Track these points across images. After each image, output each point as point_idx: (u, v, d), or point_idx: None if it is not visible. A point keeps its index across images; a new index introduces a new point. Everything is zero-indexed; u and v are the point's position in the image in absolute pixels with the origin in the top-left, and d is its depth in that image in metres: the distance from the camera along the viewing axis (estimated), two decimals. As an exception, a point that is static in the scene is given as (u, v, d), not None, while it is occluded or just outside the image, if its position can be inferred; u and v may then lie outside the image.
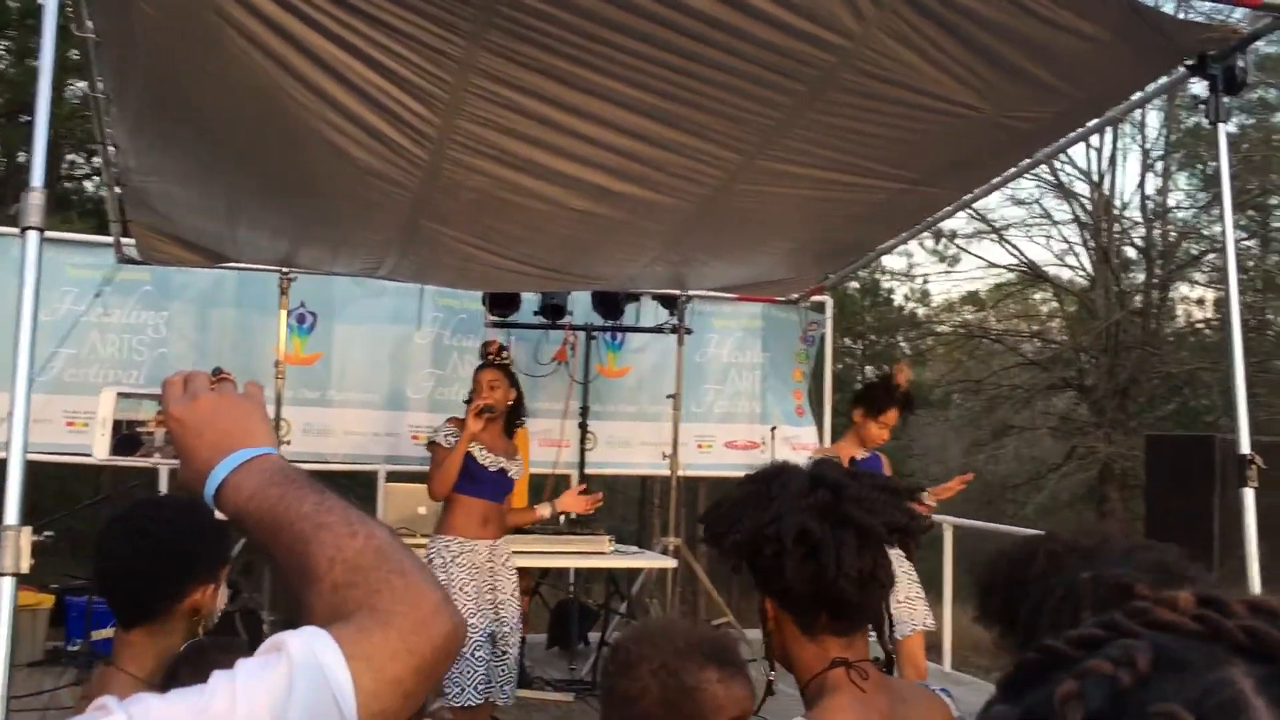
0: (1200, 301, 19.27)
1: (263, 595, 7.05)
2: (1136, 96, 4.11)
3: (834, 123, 3.91)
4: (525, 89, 3.67)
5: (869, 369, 20.81)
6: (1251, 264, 16.95)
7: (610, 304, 7.46)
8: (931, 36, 3.32)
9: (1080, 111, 3.99)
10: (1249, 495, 3.34)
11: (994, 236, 19.14)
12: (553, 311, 7.42)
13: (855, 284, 19.05)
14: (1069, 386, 18.93)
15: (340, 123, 3.84)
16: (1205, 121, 3.53)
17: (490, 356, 4.98)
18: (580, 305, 7.56)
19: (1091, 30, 3.24)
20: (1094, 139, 15.98)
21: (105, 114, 4.23)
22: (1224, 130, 3.54)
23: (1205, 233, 18.12)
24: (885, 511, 1.55)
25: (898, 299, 22.09)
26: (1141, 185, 18.73)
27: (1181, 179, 18.91)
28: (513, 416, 4.99)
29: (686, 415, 7.79)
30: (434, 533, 4.86)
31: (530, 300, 7.42)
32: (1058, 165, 17.04)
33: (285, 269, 6.61)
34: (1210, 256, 18.09)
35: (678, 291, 7.35)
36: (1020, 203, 18.93)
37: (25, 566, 2.19)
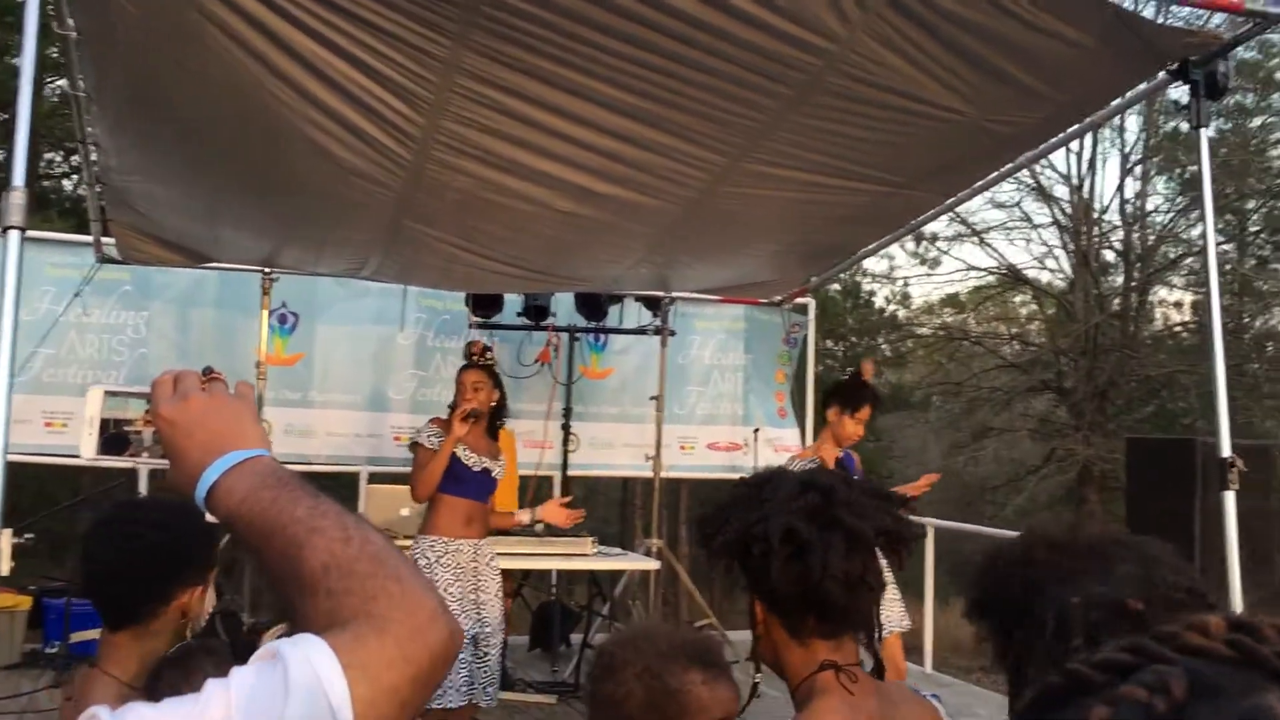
0: (1178, 305, 19.41)
1: (243, 597, 7.01)
2: (1119, 101, 4.13)
3: (819, 125, 3.92)
4: (510, 89, 3.67)
5: (849, 370, 20.82)
6: (1228, 268, 17.07)
7: (593, 305, 7.45)
8: (916, 40, 3.33)
9: (1063, 116, 4.01)
10: (1230, 498, 3.37)
11: (974, 239, 19.23)
12: (536, 313, 7.41)
13: (836, 286, 19.09)
14: (1048, 389, 19.03)
15: (323, 122, 3.82)
16: (1184, 126, 3.57)
17: (474, 357, 4.97)
18: (563, 307, 7.55)
19: (1075, 35, 3.26)
20: (1074, 143, 16.07)
21: (86, 112, 4.19)
22: (1205, 135, 3.57)
23: (1183, 236, 18.26)
24: (876, 517, 1.55)
25: (879, 301, 22.17)
26: (1120, 189, 18.86)
27: (1160, 183, 19.05)
28: (495, 417, 4.98)
29: (669, 417, 7.79)
30: (418, 533, 4.84)
31: (513, 301, 7.41)
32: (1038, 169, 17.14)
33: (267, 269, 6.58)
34: (1188, 260, 18.23)
35: (661, 293, 7.35)
36: (1000, 206, 19.03)
37: (5, 569, 2.17)
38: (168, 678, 1.82)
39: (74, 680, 1.92)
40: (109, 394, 1.26)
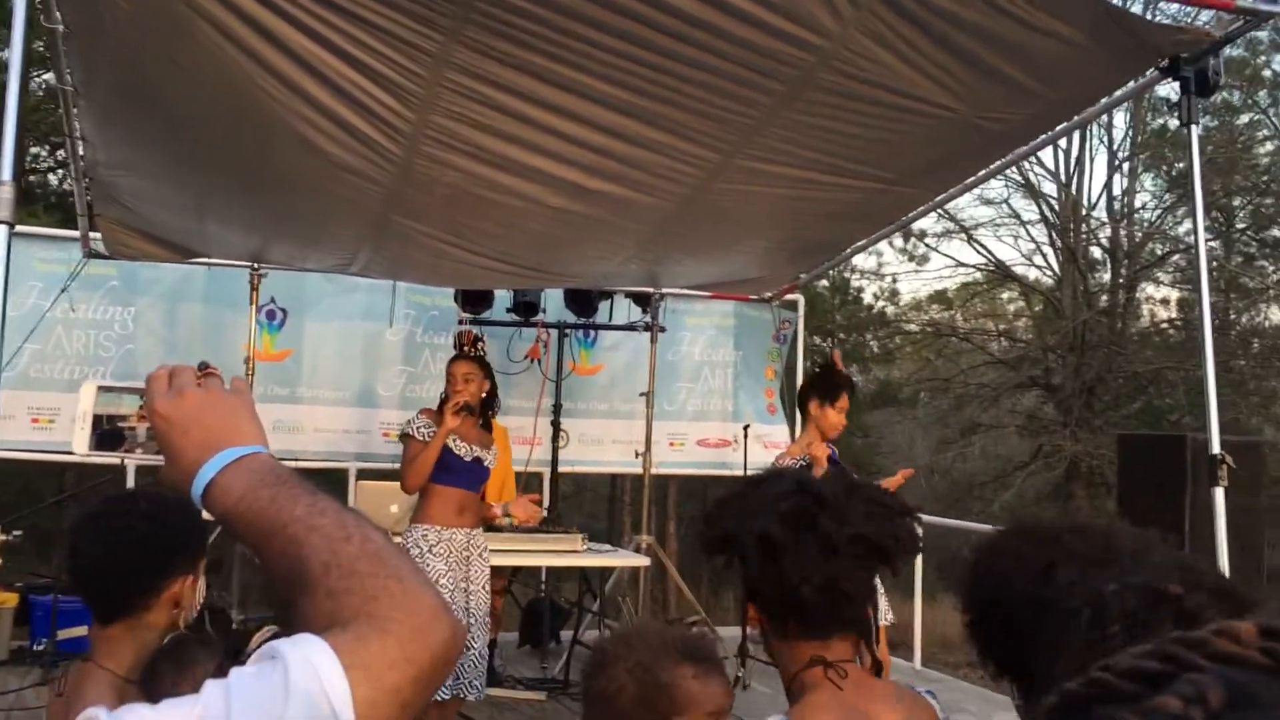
0: (1165, 301, 19.51)
1: (231, 594, 6.98)
2: (1107, 100, 4.14)
3: (811, 122, 3.92)
4: (501, 85, 3.65)
5: (848, 371, 20.85)
6: (1215, 265, 17.15)
7: (583, 301, 7.44)
8: (909, 37, 3.33)
9: (1054, 113, 4.02)
10: (1219, 494, 3.38)
11: (963, 236, 19.28)
12: (525, 309, 7.39)
13: (825, 282, 19.11)
14: (1036, 385, 19.09)
15: (313, 117, 3.80)
16: (1172, 123, 3.58)
17: (465, 348, 4.93)
18: (553, 302, 7.54)
19: (1067, 32, 3.27)
20: (1062, 140, 16.12)
21: (73, 106, 4.16)
22: (1196, 132, 3.58)
23: (1170, 233, 18.34)
24: (862, 524, 1.55)
25: (867, 298, 22.21)
26: (1108, 186, 18.94)
27: (1147, 180, 19.13)
28: (487, 407, 4.96)
29: (659, 413, 7.78)
30: (410, 522, 4.83)
31: (503, 297, 7.39)
32: (1026, 166, 17.18)
33: (256, 264, 6.55)
34: (1175, 257, 18.31)
35: (651, 289, 7.35)
36: (989, 202, 19.10)
37: (-6, 566, 2.16)
38: (164, 670, 1.82)
39: (64, 676, 1.91)
40: (102, 389, 1.25)
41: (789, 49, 3.39)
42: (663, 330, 7.69)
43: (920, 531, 1.65)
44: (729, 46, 3.37)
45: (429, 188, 4.51)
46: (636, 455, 7.62)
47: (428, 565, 4.55)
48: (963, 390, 19.46)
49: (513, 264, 5.75)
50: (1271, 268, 18.58)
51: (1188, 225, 17.48)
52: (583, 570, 7.07)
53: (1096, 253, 19.29)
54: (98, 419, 1.23)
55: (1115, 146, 18.68)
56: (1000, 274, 19.92)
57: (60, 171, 15.04)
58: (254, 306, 6.67)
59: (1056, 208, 18.85)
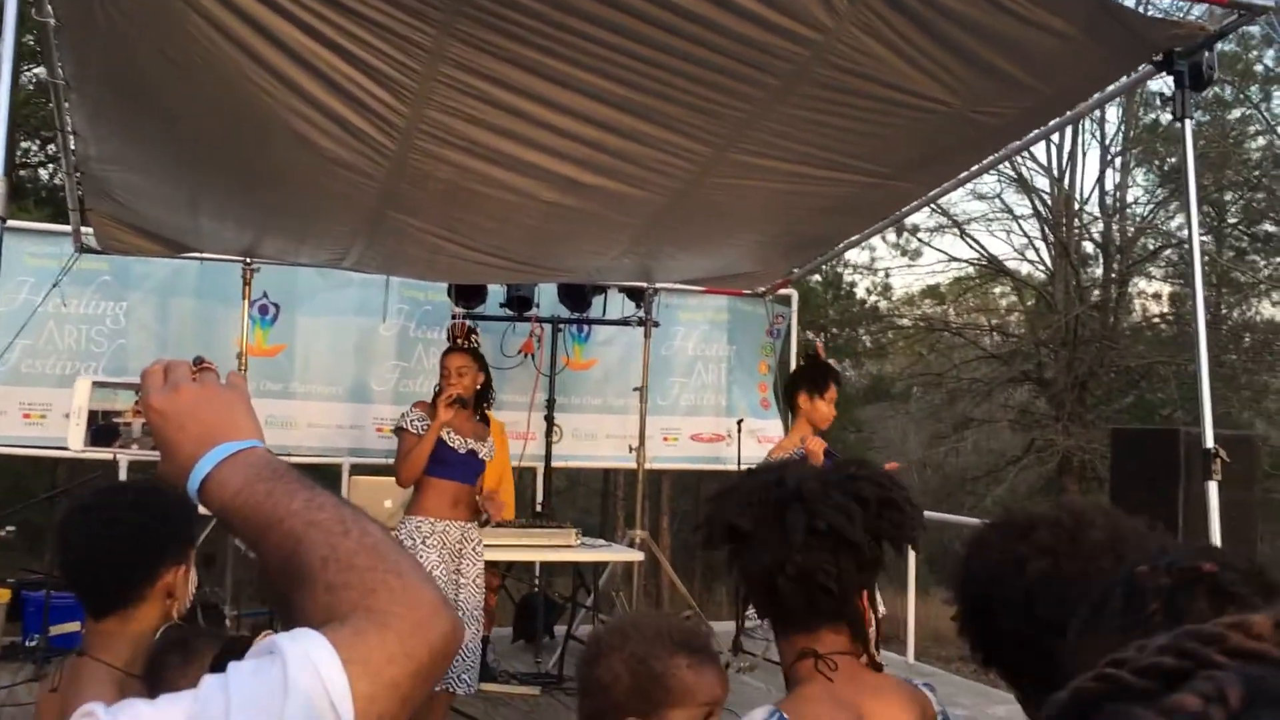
0: (1157, 296, 19.56)
1: (224, 590, 6.97)
2: (1099, 95, 4.15)
3: (805, 116, 3.91)
4: (495, 79, 3.64)
5: (831, 362, 20.88)
6: (1207, 259, 17.18)
7: (577, 296, 7.43)
8: (903, 31, 3.32)
9: (1048, 107, 4.02)
10: (1213, 488, 3.38)
11: (955, 231, 19.30)
12: (519, 303, 7.38)
13: (818, 277, 19.13)
14: (1028, 380, 19.13)
15: (306, 111, 3.79)
16: (1164, 118, 3.59)
17: (458, 340, 4.91)
18: (547, 297, 7.53)
19: (1061, 26, 3.26)
20: (1054, 135, 16.14)
21: (64, 100, 4.14)
22: (1190, 126, 3.58)
23: (1162, 228, 18.38)
24: (831, 518, 1.55)
25: (860, 292, 22.24)
26: (1100, 181, 18.97)
27: (1139, 175, 19.17)
28: (481, 398, 4.94)
29: (652, 408, 7.78)
30: (405, 514, 4.83)
31: (496, 292, 7.38)
32: (1019, 160, 17.22)
33: (249, 259, 6.53)
34: (1167, 252, 18.36)
35: (645, 284, 7.34)
36: (981, 197, 19.13)
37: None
38: (171, 661, 1.81)
39: (58, 672, 1.90)
40: (97, 385, 1.24)
41: (783, 43, 3.38)
42: (656, 325, 7.68)
43: (915, 524, 1.65)
44: (723, 40, 3.37)
45: (423, 182, 4.50)
46: (630, 450, 7.62)
47: (421, 557, 4.55)
48: (955, 385, 19.49)
49: (506, 259, 5.74)
50: (1263, 262, 18.64)
51: (1179, 220, 17.53)
52: (576, 565, 7.07)
53: (1089, 247, 19.34)
54: (93, 415, 1.23)
55: (1108, 141, 18.72)
56: (993, 269, 19.96)
57: (51, 166, 14.99)
58: (246, 301, 6.65)
59: (1049, 202, 18.88)
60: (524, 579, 7.81)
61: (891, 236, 19.47)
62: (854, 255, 20.13)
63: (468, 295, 7.17)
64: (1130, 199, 19.13)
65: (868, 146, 4.20)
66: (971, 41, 3.37)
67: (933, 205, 13.35)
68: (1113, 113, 18.05)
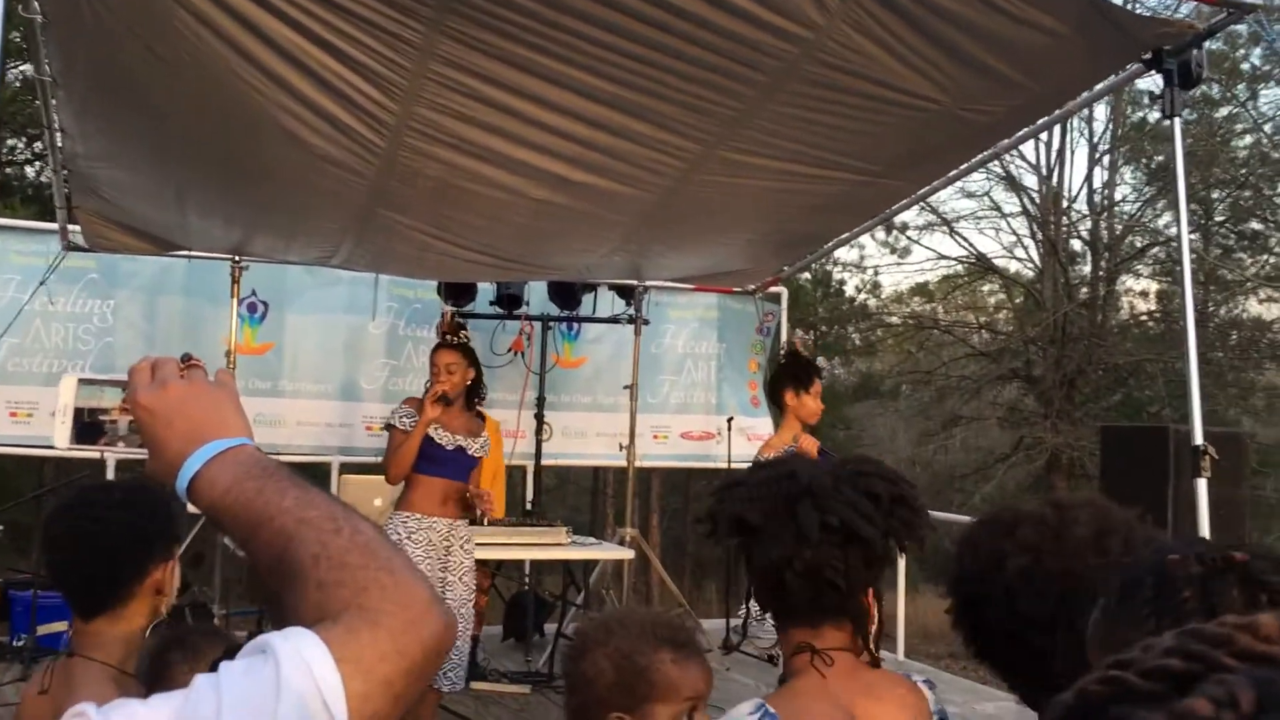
0: (1144, 294, 19.62)
1: (214, 589, 6.95)
2: (1087, 94, 4.15)
3: (795, 114, 3.91)
4: (485, 76, 3.63)
5: (820, 360, 20.93)
6: (1194, 257, 17.23)
7: (567, 294, 7.42)
8: (894, 29, 3.32)
9: (1038, 105, 4.02)
10: (1202, 485, 3.39)
11: (944, 228, 19.33)
12: (509, 301, 7.37)
13: (807, 275, 19.14)
14: (1017, 377, 19.16)
15: (296, 108, 3.77)
16: (1151, 116, 3.59)
17: (447, 336, 4.88)
18: (536, 295, 7.52)
19: (1051, 25, 3.27)
20: (1043, 133, 16.18)
21: (51, 97, 4.12)
22: (1179, 124, 3.59)
23: (1150, 226, 18.44)
24: (842, 513, 1.54)
25: (849, 290, 22.26)
26: (1088, 179, 19.01)
27: (1127, 173, 19.23)
28: (472, 394, 4.91)
29: (642, 406, 7.78)
30: (393, 509, 4.81)
31: (486, 290, 7.37)
32: (1007, 158, 17.23)
33: (237, 257, 6.50)
34: (1154, 250, 18.41)
35: (635, 282, 7.34)
36: (970, 195, 19.14)
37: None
38: (174, 659, 1.80)
39: (47, 673, 1.88)
40: (83, 383, 1.23)
41: (773, 40, 3.38)
42: (646, 323, 7.68)
43: (925, 522, 1.64)
44: (713, 38, 3.36)
45: (412, 180, 4.49)
46: (620, 448, 7.61)
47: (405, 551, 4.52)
48: (944, 382, 19.52)
49: (496, 256, 5.73)
50: (1249, 260, 18.71)
51: (1167, 218, 17.58)
52: (566, 563, 7.06)
53: (1077, 245, 19.38)
54: (78, 412, 1.21)
55: (1096, 139, 18.76)
56: (981, 266, 19.99)
57: (38, 163, 14.92)
58: (235, 299, 6.63)
59: (1037, 200, 18.92)
60: (514, 577, 7.80)
61: (881, 234, 19.50)
62: (843, 253, 20.16)
63: (457, 293, 7.15)
64: (1118, 197, 19.20)
65: (858, 144, 4.20)
66: (962, 39, 3.37)
67: (922, 203, 13.37)
68: (1100, 111, 18.11)
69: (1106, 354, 17.87)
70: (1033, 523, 1.36)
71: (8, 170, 15.34)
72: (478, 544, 5.03)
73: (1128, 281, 19.49)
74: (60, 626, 6.04)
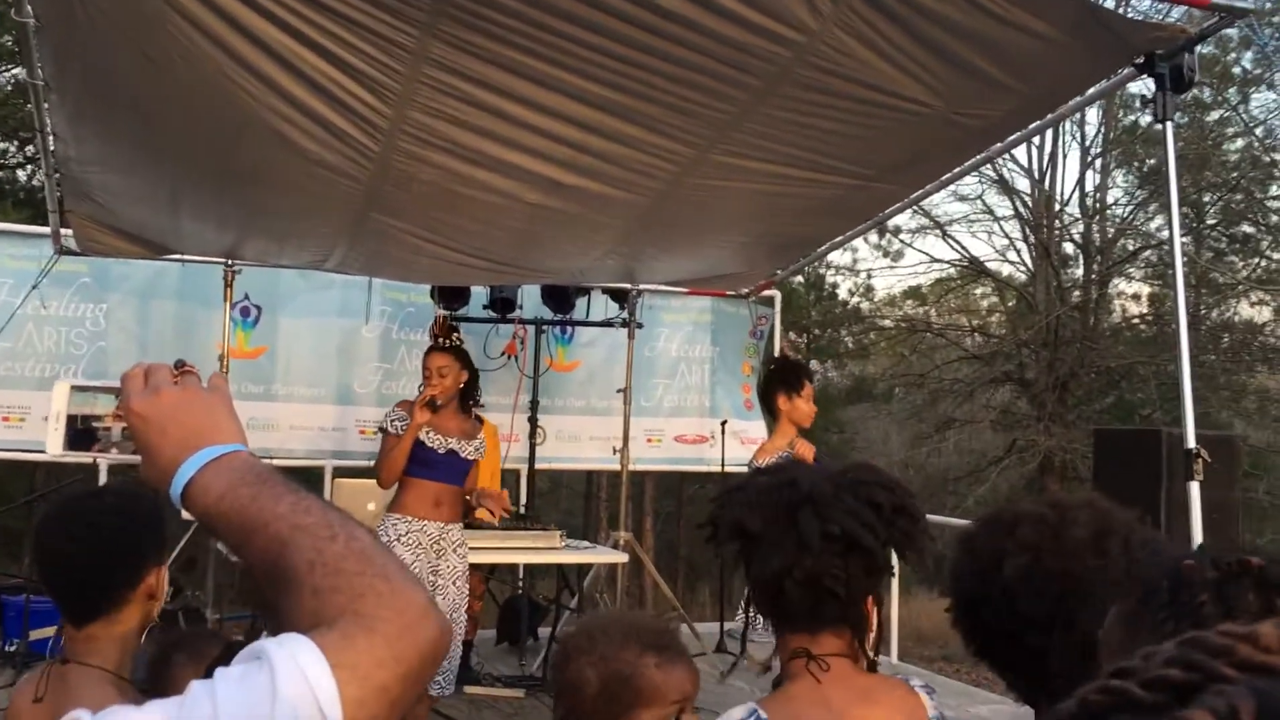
0: (1136, 297, 19.66)
1: (206, 594, 6.93)
2: (1078, 99, 4.16)
3: (788, 118, 3.91)
4: (478, 80, 3.63)
5: (814, 363, 20.96)
6: (1186, 260, 17.26)
7: (560, 298, 7.42)
8: (887, 33, 3.33)
9: (1030, 109, 4.03)
10: (1195, 489, 3.40)
11: (937, 232, 19.35)
12: (502, 305, 7.37)
13: (800, 278, 19.15)
14: (1010, 380, 19.19)
15: (289, 112, 3.77)
16: (1143, 120, 3.60)
17: (439, 339, 4.86)
18: (530, 299, 7.52)
19: (1044, 29, 3.27)
20: (1035, 136, 16.22)
21: (44, 101, 4.11)
22: (1171, 128, 3.60)
23: (1142, 229, 18.49)
24: (843, 521, 1.54)
25: (842, 293, 22.28)
26: (1080, 182, 19.06)
27: (1119, 176, 19.27)
28: (466, 396, 4.89)
29: (636, 409, 7.78)
30: (385, 511, 4.81)
31: (480, 294, 7.37)
32: (1000, 162, 17.27)
33: (230, 261, 6.50)
34: (1146, 253, 18.46)
35: (628, 285, 7.34)
36: (963, 198, 19.18)
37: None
38: (178, 660, 1.79)
39: (42, 680, 1.87)
40: (76, 389, 1.23)
41: (766, 44, 3.38)
42: (640, 326, 7.68)
43: (925, 531, 1.64)
44: (706, 41, 3.36)
45: (405, 184, 4.48)
46: (614, 451, 7.61)
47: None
48: (937, 385, 19.54)
49: (490, 260, 5.72)
50: (1241, 263, 18.76)
51: (1159, 221, 17.64)
52: (560, 567, 7.06)
53: (1069, 248, 19.42)
54: (71, 419, 1.21)
55: (1088, 143, 18.81)
56: (974, 269, 20.02)
57: (30, 167, 14.88)
58: (228, 303, 6.62)
59: (1030, 204, 18.96)
60: (508, 581, 7.80)
61: (874, 237, 19.51)
62: (836, 256, 20.18)
63: (451, 297, 7.15)
64: (1110, 200, 19.24)
65: (851, 148, 4.21)
66: (954, 43, 3.38)
67: (915, 207, 13.39)
68: (1092, 114, 18.16)
69: (1099, 357, 17.90)
70: (1032, 522, 1.36)
71: (0, 174, 15.30)
72: (471, 547, 5.02)
73: (1120, 284, 19.54)
74: (53, 631, 6.02)
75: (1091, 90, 4.16)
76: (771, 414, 5.15)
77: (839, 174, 4.48)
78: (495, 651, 7.11)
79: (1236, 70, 17.46)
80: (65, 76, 3.83)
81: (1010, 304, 20.65)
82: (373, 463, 4.95)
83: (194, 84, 3.61)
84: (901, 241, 20.11)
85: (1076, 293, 18.77)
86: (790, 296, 16.34)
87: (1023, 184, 18.88)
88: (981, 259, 19.82)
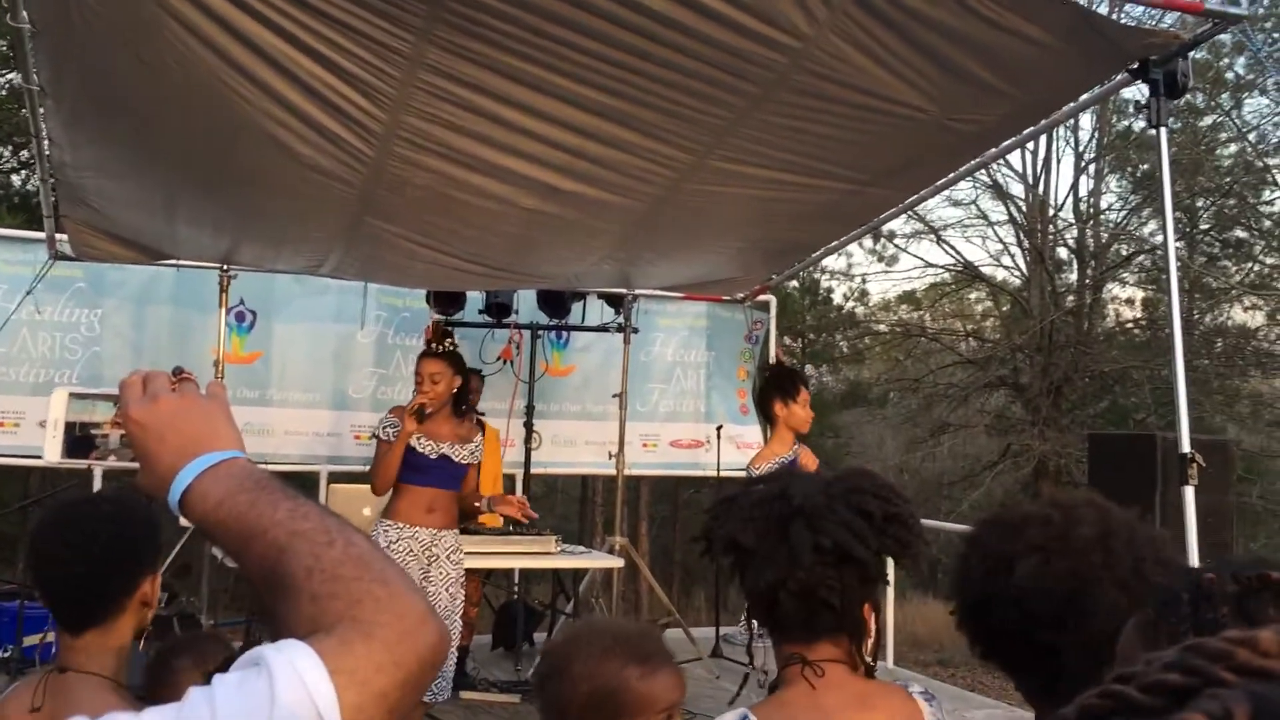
0: (1130, 301, 19.69)
1: (201, 599, 6.92)
2: (1071, 105, 4.17)
3: (784, 123, 3.92)
4: (474, 85, 3.64)
5: (808, 368, 20.98)
6: (1179, 265, 17.27)
7: (556, 303, 7.43)
8: (882, 39, 3.34)
9: (1025, 114, 4.04)
10: (1189, 493, 3.41)
11: (931, 237, 19.37)
12: (498, 310, 7.37)
13: (795, 283, 19.15)
14: (1004, 385, 19.21)
15: (284, 117, 3.77)
16: (1137, 125, 3.61)
17: (432, 345, 4.81)
18: (525, 304, 7.52)
19: (1039, 35, 3.29)
20: (1029, 142, 16.24)
21: (40, 106, 4.11)
22: (1165, 133, 3.61)
23: (1136, 234, 18.52)
24: (835, 533, 1.54)
25: (837, 298, 22.28)
26: (1074, 187, 19.09)
27: (1113, 181, 19.30)
28: (459, 401, 4.86)
29: (631, 414, 7.78)
30: (379, 517, 4.80)
31: (475, 299, 7.37)
32: (994, 167, 17.30)
33: (225, 266, 6.49)
34: (1140, 258, 18.49)
35: (624, 290, 7.34)
36: (957, 203, 19.19)
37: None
38: (181, 665, 1.79)
39: (39, 688, 1.86)
40: (74, 396, 1.23)
41: (762, 50, 3.39)
42: (635, 331, 7.68)
43: (919, 538, 1.64)
44: (702, 47, 3.37)
45: (401, 189, 4.49)
46: (610, 456, 7.61)
47: None
48: (931, 390, 19.55)
49: (485, 265, 5.73)
50: (1234, 268, 18.80)
51: (1152, 226, 17.67)
52: (555, 572, 7.05)
53: (1063, 253, 19.45)
54: (69, 426, 1.21)
55: (1081, 148, 18.85)
56: (968, 274, 20.04)
57: (25, 172, 14.86)
58: (223, 308, 6.61)
59: (1024, 209, 18.99)
60: (503, 586, 7.79)
61: (869, 242, 19.52)
62: (831, 261, 20.17)
63: (446, 302, 7.15)
64: (1104, 205, 19.28)
65: (846, 153, 4.22)
66: (949, 49, 3.39)
67: (909, 212, 13.41)
68: (1086, 120, 18.19)
69: (1093, 361, 17.92)
70: (1039, 523, 1.37)
71: (-7, 178, 15.28)
72: (467, 552, 5.00)
73: (1114, 289, 19.57)
74: (37, 638, 6.01)
75: (1085, 96, 4.17)
76: (769, 421, 5.16)
77: (834, 179, 4.49)
78: (491, 656, 7.10)
79: (1229, 76, 17.51)
80: (61, 81, 3.83)
81: (1004, 309, 20.67)
82: (368, 468, 4.93)
83: (189, 89, 3.61)
84: (896, 246, 20.13)
85: (1070, 297, 18.80)
86: (785, 301, 16.34)
87: (1017, 189, 18.92)
88: (976, 264, 19.85)
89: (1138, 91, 3.69)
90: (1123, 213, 18.98)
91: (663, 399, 8.50)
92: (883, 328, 21.78)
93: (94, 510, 1.91)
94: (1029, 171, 18.56)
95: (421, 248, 5.35)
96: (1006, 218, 19.29)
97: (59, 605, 1.87)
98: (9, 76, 12.51)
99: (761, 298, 8.20)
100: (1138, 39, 3.49)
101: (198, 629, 6.36)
